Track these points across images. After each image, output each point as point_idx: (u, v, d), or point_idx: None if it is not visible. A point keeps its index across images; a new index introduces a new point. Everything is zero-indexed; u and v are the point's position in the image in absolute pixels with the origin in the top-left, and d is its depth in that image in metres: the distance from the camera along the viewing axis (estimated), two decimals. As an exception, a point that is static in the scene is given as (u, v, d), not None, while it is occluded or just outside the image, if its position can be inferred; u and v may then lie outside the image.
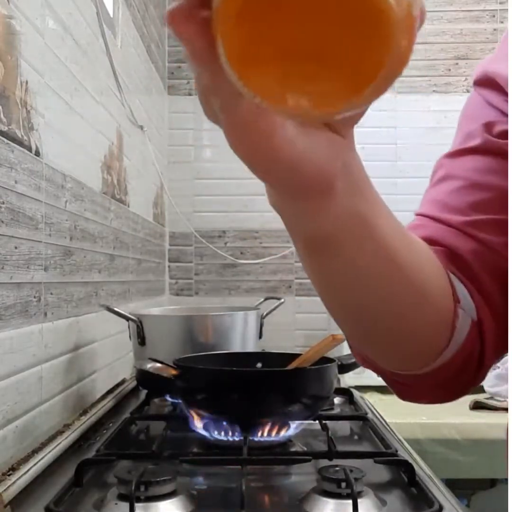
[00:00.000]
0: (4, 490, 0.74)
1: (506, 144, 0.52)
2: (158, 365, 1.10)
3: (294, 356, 1.03)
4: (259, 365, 1.11)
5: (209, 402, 0.94)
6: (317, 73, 0.24)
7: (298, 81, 0.25)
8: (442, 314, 0.48)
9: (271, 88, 0.25)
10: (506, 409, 1.73)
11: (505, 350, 0.52)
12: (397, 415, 1.47)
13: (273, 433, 0.92)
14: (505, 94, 0.53)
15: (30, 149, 0.92)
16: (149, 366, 1.16)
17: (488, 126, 0.54)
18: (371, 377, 1.85)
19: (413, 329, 0.48)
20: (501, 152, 0.52)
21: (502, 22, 2.37)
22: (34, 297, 0.94)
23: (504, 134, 0.53)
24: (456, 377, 0.52)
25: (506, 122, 0.53)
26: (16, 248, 0.87)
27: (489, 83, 0.55)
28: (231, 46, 0.25)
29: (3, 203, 0.82)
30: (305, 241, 0.40)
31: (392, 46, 0.23)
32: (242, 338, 1.34)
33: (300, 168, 0.33)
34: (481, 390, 1.84)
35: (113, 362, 1.44)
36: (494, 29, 2.37)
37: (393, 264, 0.42)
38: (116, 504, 0.70)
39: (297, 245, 0.41)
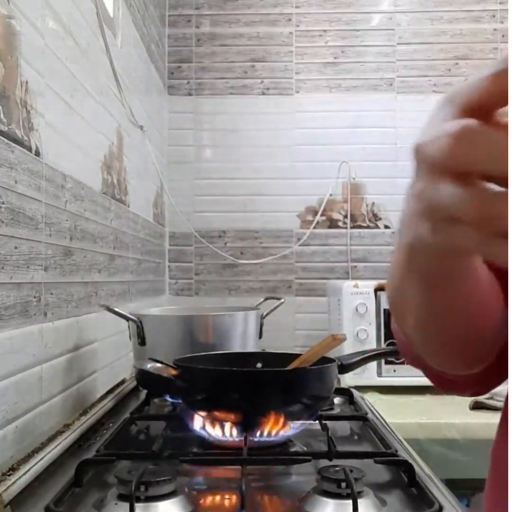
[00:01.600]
0: (4, 490, 0.74)
1: None
2: (158, 365, 1.10)
3: (294, 356, 1.03)
4: (259, 365, 1.11)
5: (209, 402, 0.94)
6: None
7: None
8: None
9: None
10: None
11: None
12: (397, 415, 1.47)
13: (273, 433, 0.92)
14: None
15: (30, 149, 0.92)
16: (149, 366, 1.16)
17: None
18: (371, 377, 1.85)
19: (482, 348, 0.55)
20: None
21: (502, 22, 2.36)
22: (34, 297, 0.94)
23: None
24: (496, 375, 0.59)
25: None
26: (16, 248, 0.87)
27: None
28: None
29: (3, 203, 0.82)
30: (419, 272, 0.45)
31: None
32: (242, 338, 1.34)
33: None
34: (481, 390, 1.84)
35: (113, 362, 1.44)
36: (494, 29, 2.37)
37: (482, 301, 0.50)
38: (116, 504, 0.70)
39: (409, 275, 0.47)
